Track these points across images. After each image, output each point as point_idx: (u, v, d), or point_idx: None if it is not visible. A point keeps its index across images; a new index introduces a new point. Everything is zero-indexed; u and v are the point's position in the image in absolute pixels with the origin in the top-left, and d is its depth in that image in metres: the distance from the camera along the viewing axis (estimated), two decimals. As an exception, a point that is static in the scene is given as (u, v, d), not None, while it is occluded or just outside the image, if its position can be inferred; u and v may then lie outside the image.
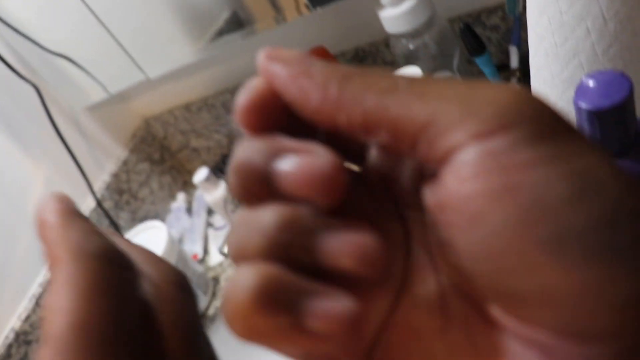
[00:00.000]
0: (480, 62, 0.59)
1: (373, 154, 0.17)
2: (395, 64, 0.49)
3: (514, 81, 0.64)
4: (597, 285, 0.11)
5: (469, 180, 0.12)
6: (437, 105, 0.13)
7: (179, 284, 0.20)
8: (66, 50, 0.81)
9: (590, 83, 0.27)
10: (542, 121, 0.12)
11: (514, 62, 0.64)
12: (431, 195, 0.14)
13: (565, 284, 0.11)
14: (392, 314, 0.16)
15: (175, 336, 0.19)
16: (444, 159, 0.13)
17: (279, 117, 0.15)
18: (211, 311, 0.79)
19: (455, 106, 0.13)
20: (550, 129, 0.12)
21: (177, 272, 0.20)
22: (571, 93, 0.37)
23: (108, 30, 0.77)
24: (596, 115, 0.26)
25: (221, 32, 0.74)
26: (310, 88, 0.14)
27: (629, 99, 0.26)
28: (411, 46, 0.61)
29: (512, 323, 0.13)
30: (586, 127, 0.27)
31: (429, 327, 0.15)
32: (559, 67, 0.36)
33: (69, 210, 0.20)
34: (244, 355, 0.82)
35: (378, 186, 0.17)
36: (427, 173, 0.15)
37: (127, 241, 0.22)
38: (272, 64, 0.15)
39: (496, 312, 0.14)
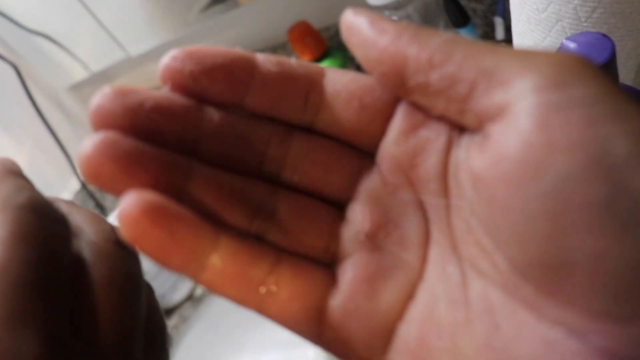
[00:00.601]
0: (465, 33, 0.57)
1: (390, 139, 0.16)
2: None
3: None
4: None
5: (533, 131, 0.12)
6: (499, 57, 0.13)
7: (119, 242, 0.19)
8: (45, 28, 0.80)
9: (571, 45, 0.26)
10: (601, 82, 0.12)
11: (500, 33, 0.63)
12: (483, 158, 0.13)
13: (616, 252, 0.11)
14: (409, 305, 0.16)
15: (108, 292, 0.18)
16: (501, 112, 0.13)
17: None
18: (198, 292, 0.78)
19: (517, 61, 0.13)
20: (610, 90, 0.12)
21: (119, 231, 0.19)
22: (552, 60, 0.36)
23: (87, 7, 0.75)
24: None
25: (203, 8, 0.73)
26: (386, 29, 0.14)
27: (611, 61, 0.24)
28: (394, 18, 0.60)
29: (547, 306, 0.13)
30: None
31: (451, 320, 0.15)
32: (541, 33, 0.35)
33: (6, 170, 0.19)
34: (228, 332, 0.82)
35: (395, 174, 0.16)
36: (465, 147, 0.15)
37: (71, 203, 0.21)
38: (356, 16, 0.15)
39: (530, 295, 0.13)
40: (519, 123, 0.12)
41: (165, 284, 0.75)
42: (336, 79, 0.17)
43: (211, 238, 0.15)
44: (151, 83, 0.95)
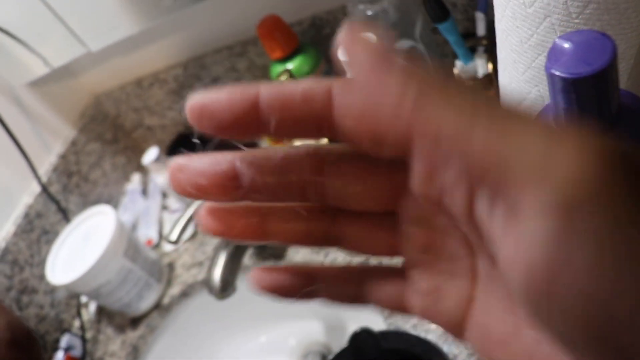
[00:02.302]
0: (444, 29, 0.54)
1: (416, 178, 0.16)
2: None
3: (480, 50, 0.59)
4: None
5: (536, 265, 0.12)
6: (516, 152, 0.12)
7: (11, 342, 0.16)
8: (3, 22, 0.74)
9: (566, 45, 0.23)
10: (616, 206, 0.11)
11: (481, 29, 0.60)
12: (496, 231, 0.14)
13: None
14: (470, 307, 0.17)
15: None
16: (512, 208, 0.12)
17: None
18: (166, 300, 0.74)
19: (533, 160, 0.12)
20: (622, 217, 0.11)
21: (15, 327, 0.16)
22: (542, 60, 0.33)
23: (44, 1, 0.70)
24: (573, 84, 0.22)
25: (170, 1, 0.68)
26: (384, 98, 0.14)
27: (612, 65, 0.21)
28: (369, 12, 0.56)
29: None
30: (560, 98, 0.23)
31: (503, 330, 0.16)
32: (527, 30, 0.32)
33: None
34: (197, 342, 0.78)
35: (428, 205, 0.17)
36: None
37: None
38: (354, 45, 0.14)
39: None
40: (525, 247, 0.12)
41: (131, 292, 0.70)
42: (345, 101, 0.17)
43: None
44: (114, 79, 0.90)
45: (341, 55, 0.15)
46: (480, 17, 0.59)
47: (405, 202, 0.18)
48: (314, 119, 0.16)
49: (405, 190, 0.17)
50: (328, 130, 0.16)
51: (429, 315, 0.18)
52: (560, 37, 0.22)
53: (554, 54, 0.22)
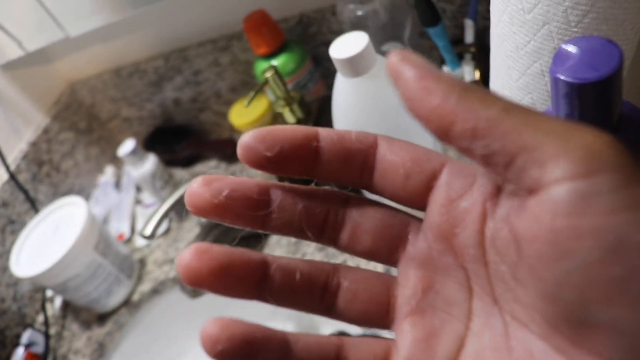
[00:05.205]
0: (434, 33, 0.54)
1: (433, 210, 0.18)
2: (341, 34, 0.44)
3: (468, 57, 0.59)
4: None
5: (562, 217, 0.14)
6: (541, 135, 0.14)
7: None
8: (-27, 0, 0.71)
9: (572, 50, 0.22)
10: (625, 170, 0.14)
11: (469, 36, 0.59)
12: (518, 222, 0.15)
13: (631, 318, 0.13)
14: (461, 355, 0.18)
15: None
16: (535, 189, 0.14)
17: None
18: (136, 297, 0.72)
19: (554, 142, 0.14)
20: (632, 177, 0.14)
21: None
22: (538, 67, 0.32)
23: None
24: (578, 90, 0.21)
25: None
26: (434, 89, 0.15)
27: (619, 72, 0.20)
28: (359, 12, 0.55)
29: (575, 353, 0.15)
30: (562, 104, 0.22)
31: None
32: (524, 37, 0.31)
33: None
34: (167, 342, 0.76)
35: (438, 241, 0.19)
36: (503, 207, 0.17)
37: None
38: (402, 64, 0.16)
39: (562, 344, 0.15)
40: (550, 207, 0.14)
41: (100, 287, 0.68)
42: (388, 149, 0.19)
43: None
44: (91, 67, 0.88)
45: (389, 71, 0.17)
46: (469, 25, 0.59)
47: (409, 248, 0.20)
48: (363, 156, 0.19)
49: (413, 237, 0.20)
50: (369, 172, 0.19)
51: None
52: (566, 42, 0.21)
53: (559, 58, 0.21)
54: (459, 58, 0.59)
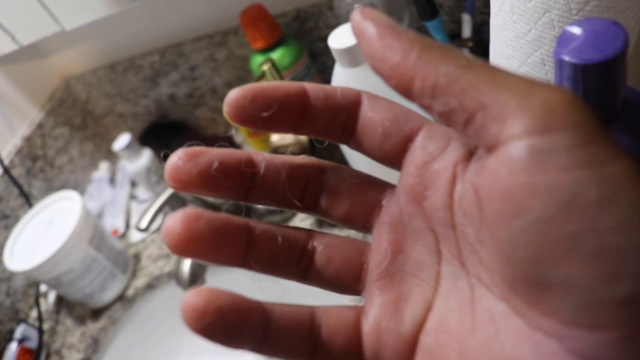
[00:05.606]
0: (432, 27, 0.54)
1: (407, 172, 0.19)
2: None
3: (465, 52, 0.59)
4: (605, 280, 0.13)
5: (517, 174, 0.14)
6: (500, 91, 0.14)
7: None
8: (-33, -7, 0.71)
9: (576, 31, 0.22)
10: (584, 127, 0.13)
11: (467, 31, 0.60)
12: (479, 180, 0.15)
13: (582, 277, 0.13)
14: (428, 317, 0.18)
15: None
16: (494, 146, 0.14)
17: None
18: (130, 292, 0.72)
19: (515, 98, 0.14)
20: (590, 135, 0.13)
21: None
22: (538, 56, 0.32)
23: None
24: (582, 71, 0.21)
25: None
26: (394, 46, 0.16)
27: (623, 53, 0.20)
28: (356, 6, 0.55)
29: (532, 315, 0.15)
30: (568, 85, 0.22)
31: (462, 328, 0.17)
32: (525, 25, 0.31)
33: None
34: (161, 337, 0.75)
35: (410, 204, 0.19)
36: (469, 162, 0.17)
37: None
38: (365, 20, 0.16)
39: (520, 305, 0.15)
40: (506, 164, 0.14)
41: (94, 282, 0.68)
42: (370, 107, 0.19)
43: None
44: (86, 62, 0.87)
45: (352, 29, 0.17)
46: (466, 19, 0.59)
47: (383, 213, 0.20)
48: (346, 112, 0.19)
49: (386, 202, 0.20)
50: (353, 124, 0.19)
51: (383, 337, 0.18)
52: (571, 24, 0.21)
53: (563, 40, 0.21)
54: (456, 53, 0.59)
